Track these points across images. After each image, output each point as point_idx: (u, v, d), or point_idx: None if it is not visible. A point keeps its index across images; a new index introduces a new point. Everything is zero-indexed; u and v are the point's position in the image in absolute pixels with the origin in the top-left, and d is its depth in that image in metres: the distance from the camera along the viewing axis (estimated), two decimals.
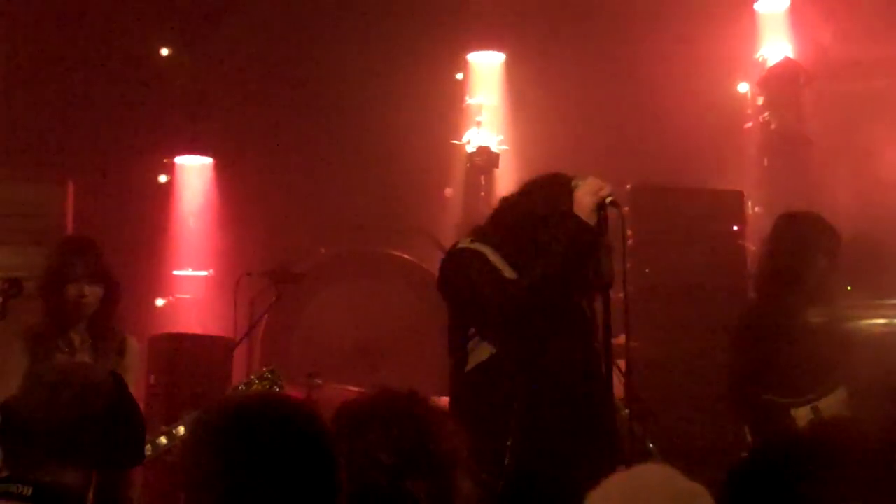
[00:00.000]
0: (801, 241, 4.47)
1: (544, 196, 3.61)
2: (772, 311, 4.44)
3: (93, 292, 4.24)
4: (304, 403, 2.02)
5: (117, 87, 7.56)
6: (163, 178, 7.81)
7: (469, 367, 3.61)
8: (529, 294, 3.50)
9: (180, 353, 5.86)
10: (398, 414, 2.11)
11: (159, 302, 7.54)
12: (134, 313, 7.17)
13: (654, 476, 2.25)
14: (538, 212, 3.59)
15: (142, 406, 5.88)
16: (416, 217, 7.39)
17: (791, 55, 7.36)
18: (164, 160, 7.79)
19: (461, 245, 3.69)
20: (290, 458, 1.86)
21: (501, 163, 7.47)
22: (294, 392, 4.82)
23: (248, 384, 4.14)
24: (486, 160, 7.41)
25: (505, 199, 3.80)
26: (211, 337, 6.16)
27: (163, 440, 3.97)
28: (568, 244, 3.51)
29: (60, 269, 4.26)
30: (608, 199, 3.55)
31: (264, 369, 4.20)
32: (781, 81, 7.17)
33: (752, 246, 6.29)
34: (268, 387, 4.10)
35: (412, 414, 2.13)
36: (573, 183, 3.57)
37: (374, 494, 1.98)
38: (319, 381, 4.78)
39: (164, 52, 7.86)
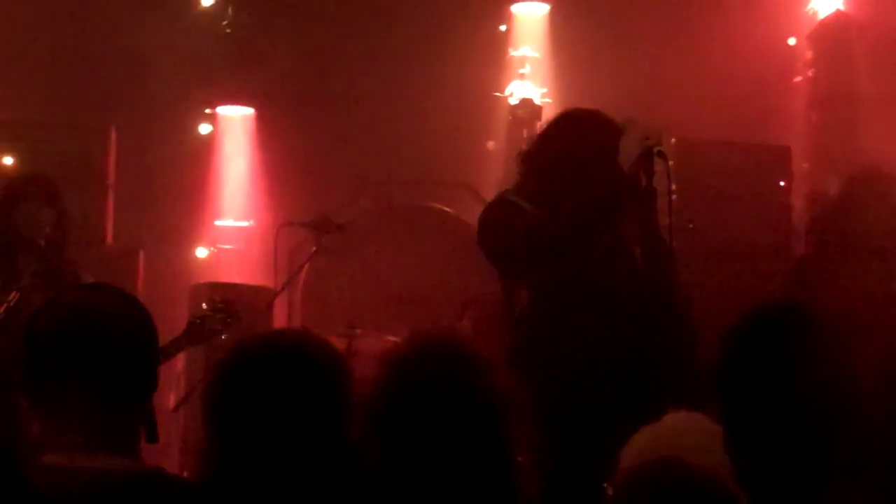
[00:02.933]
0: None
1: (579, 139, 3.56)
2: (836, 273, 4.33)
3: (46, 216, 4.20)
4: (313, 337, 2.01)
5: (159, 37, 7.55)
6: (204, 129, 7.81)
7: (516, 316, 3.61)
8: (558, 230, 3.47)
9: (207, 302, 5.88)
10: (444, 359, 2.08)
11: (201, 252, 7.57)
12: (176, 263, 7.23)
13: (683, 423, 2.24)
14: (573, 158, 3.54)
15: (183, 353, 5.93)
16: (458, 170, 7.35)
17: (842, 8, 7.21)
18: (206, 110, 7.79)
19: (496, 197, 3.68)
20: (293, 391, 1.87)
21: (544, 116, 7.39)
22: (334, 341, 4.82)
23: (203, 318, 4.19)
24: (528, 113, 7.34)
25: (535, 145, 3.75)
26: (252, 286, 6.19)
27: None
28: (601, 195, 3.47)
29: (11, 191, 4.25)
30: (656, 150, 3.49)
31: (217, 300, 4.24)
32: (832, 35, 7.03)
33: (798, 202, 6.20)
34: (223, 318, 4.16)
35: (459, 358, 2.10)
36: (622, 125, 3.51)
37: (417, 443, 1.97)
38: (359, 331, 4.78)
39: (207, 2, 7.83)
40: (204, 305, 4.28)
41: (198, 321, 4.23)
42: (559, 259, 3.45)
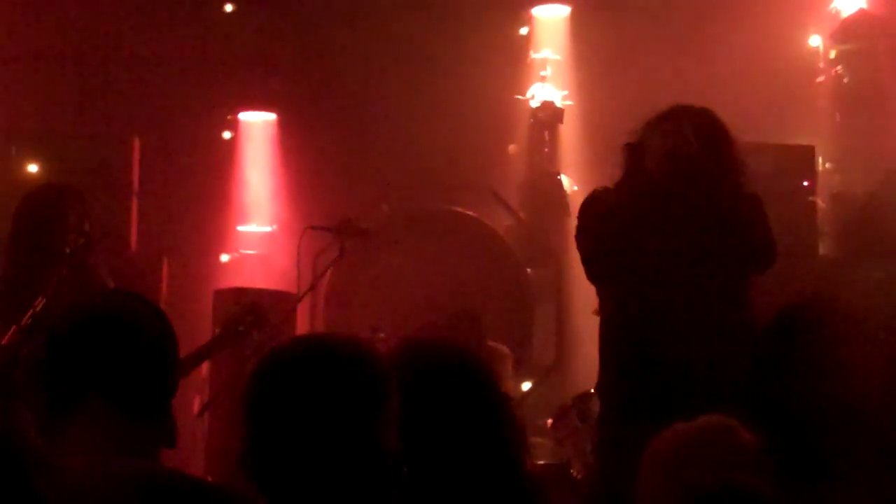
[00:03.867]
0: None
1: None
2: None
3: (71, 224, 4.24)
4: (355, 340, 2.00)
5: (182, 43, 7.59)
6: (227, 135, 7.83)
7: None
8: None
9: (236, 304, 5.90)
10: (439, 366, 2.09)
11: (224, 257, 7.59)
12: (199, 268, 7.25)
13: (714, 427, 2.23)
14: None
15: (208, 360, 5.94)
16: (480, 173, 7.35)
17: (866, 6, 7.17)
18: (228, 116, 7.82)
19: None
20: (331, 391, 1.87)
21: (566, 118, 7.38)
22: None
23: (236, 320, 4.25)
24: (550, 115, 7.33)
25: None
26: (275, 291, 6.20)
27: None
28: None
29: (36, 199, 4.29)
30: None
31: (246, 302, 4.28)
32: (856, 34, 6.99)
33: (822, 202, 6.17)
34: (253, 319, 4.20)
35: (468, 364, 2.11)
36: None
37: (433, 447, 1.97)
38: (382, 335, 4.79)
39: (229, 8, 7.86)
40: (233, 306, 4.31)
41: (233, 322, 4.25)
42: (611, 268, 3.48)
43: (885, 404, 1.82)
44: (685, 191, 3.55)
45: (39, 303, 3.96)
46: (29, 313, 3.91)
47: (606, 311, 3.62)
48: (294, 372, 1.91)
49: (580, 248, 3.65)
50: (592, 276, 3.63)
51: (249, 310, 4.31)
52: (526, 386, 6.76)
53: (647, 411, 3.35)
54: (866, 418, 1.81)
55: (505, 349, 5.54)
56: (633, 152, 3.57)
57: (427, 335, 2.17)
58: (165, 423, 2.10)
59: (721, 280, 3.56)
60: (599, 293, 3.64)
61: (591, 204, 3.62)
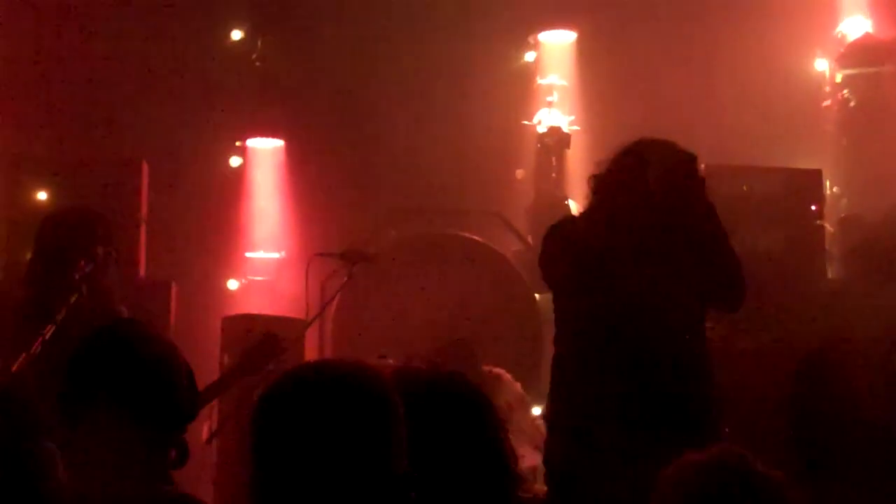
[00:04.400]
0: None
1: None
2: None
3: (81, 250, 4.24)
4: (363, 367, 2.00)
5: (190, 70, 7.63)
6: (235, 161, 7.86)
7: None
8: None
9: (253, 333, 5.89)
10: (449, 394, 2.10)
11: (232, 284, 7.60)
12: (208, 295, 7.26)
13: (730, 461, 2.22)
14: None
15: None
16: (487, 199, 7.36)
17: (871, 31, 7.19)
18: (237, 143, 7.85)
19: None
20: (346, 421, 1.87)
21: (573, 144, 7.40)
22: None
23: (253, 349, 4.25)
24: (557, 141, 7.35)
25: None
26: (283, 318, 6.19)
27: None
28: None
29: (47, 225, 4.29)
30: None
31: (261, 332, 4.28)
32: (861, 58, 7.01)
33: (830, 226, 6.16)
34: (271, 349, 4.20)
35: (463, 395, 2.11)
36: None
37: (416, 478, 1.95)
38: (391, 361, 4.77)
39: (236, 35, 7.91)
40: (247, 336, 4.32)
41: (251, 353, 4.26)
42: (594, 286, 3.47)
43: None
44: (682, 206, 3.54)
45: (49, 330, 3.97)
46: (38, 340, 3.91)
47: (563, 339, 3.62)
48: (302, 398, 1.91)
49: (545, 276, 3.68)
50: (557, 304, 3.64)
51: (265, 340, 4.31)
52: (536, 411, 6.74)
53: (597, 440, 3.37)
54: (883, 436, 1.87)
55: (503, 372, 5.52)
56: (634, 169, 3.57)
57: (417, 364, 2.17)
58: (178, 446, 2.15)
59: (682, 313, 3.55)
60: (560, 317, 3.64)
61: (557, 232, 3.63)
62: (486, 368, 5.51)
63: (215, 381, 4.26)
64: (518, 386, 5.66)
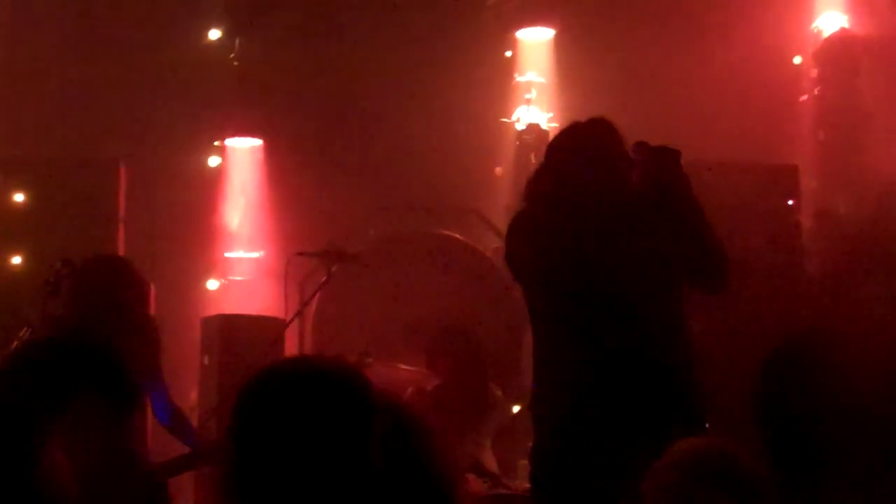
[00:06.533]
0: None
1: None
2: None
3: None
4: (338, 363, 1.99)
5: (168, 70, 7.60)
6: (213, 161, 7.84)
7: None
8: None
9: (233, 333, 5.90)
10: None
11: (211, 284, 7.58)
12: (187, 295, 7.24)
13: (716, 454, 2.24)
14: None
15: (195, 386, 5.95)
16: (466, 196, 7.37)
17: (847, 26, 7.22)
18: (215, 142, 7.83)
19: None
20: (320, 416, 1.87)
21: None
22: None
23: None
24: (535, 138, 7.36)
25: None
26: (262, 318, 6.20)
27: None
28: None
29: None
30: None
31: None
32: (837, 53, 7.04)
33: (807, 221, 6.19)
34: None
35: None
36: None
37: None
38: (370, 360, 4.78)
39: (214, 34, 7.89)
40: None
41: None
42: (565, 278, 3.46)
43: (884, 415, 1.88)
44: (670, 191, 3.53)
45: (25, 332, 3.97)
46: (13, 344, 3.91)
47: (540, 330, 3.61)
48: (281, 392, 1.91)
49: (514, 273, 3.67)
50: (530, 299, 3.62)
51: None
52: (516, 409, 6.75)
53: (581, 430, 3.37)
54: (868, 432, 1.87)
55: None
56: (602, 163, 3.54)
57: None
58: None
59: (662, 300, 3.55)
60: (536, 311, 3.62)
61: (519, 227, 3.61)
62: None
63: (170, 462, 4.21)
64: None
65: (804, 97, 7.23)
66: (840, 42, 7.10)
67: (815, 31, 7.32)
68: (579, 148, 3.56)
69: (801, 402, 1.91)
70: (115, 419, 2.17)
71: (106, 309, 4.07)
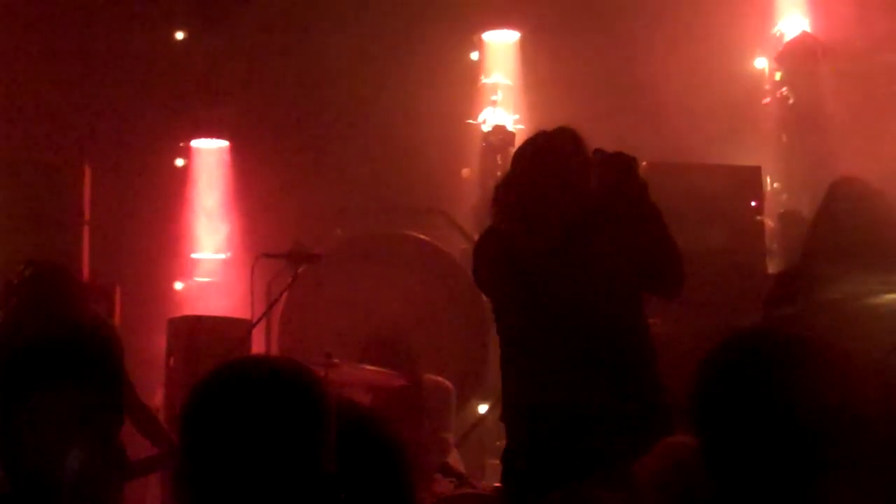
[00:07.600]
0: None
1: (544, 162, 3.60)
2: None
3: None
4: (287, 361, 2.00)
5: (133, 71, 7.58)
6: (179, 162, 7.82)
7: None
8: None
9: (199, 335, 5.88)
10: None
11: (178, 285, 7.56)
12: (153, 296, 7.22)
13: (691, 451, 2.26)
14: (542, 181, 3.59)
15: (161, 387, 5.93)
16: (433, 197, 7.39)
17: (808, 29, 7.30)
18: (181, 144, 7.81)
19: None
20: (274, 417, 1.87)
21: (517, 142, 7.44)
22: None
23: None
24: (501, 140, 7.39)
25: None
26: (229, 319, 6.18)
27: None
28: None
29: None
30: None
31: None
32: (799, 56, 7.12)
33: (770, 222, 6.26)
34: None
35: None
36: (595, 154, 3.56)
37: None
38: (336, 361, 4.78)
39: (179, 35, 7.87)
40: None
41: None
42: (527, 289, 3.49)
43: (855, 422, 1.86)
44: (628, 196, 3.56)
45: None
46: None
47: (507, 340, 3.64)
48: (232, 392, 1.90)
49: (483, 289, 3.69)
50: (499, 313, 3.64)
51: None
52: (483, 408, 6.78)
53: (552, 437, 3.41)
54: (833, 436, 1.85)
55: (447, 383, 5.50)
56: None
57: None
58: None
59: (622, 304, 3.59)
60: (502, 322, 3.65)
61: (486, 244, 3.63)
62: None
63: (143, 461, 4.18)
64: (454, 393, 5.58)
65: (767, 100, 7.30)
66: (801, 45, 7.17)
67: (778, 34, 7.40)
68: (541, 159, 3.58)
69: (734, 406, 1.89)
70: (100, 416, 2.18)
71: (46, 319, 4.06)
